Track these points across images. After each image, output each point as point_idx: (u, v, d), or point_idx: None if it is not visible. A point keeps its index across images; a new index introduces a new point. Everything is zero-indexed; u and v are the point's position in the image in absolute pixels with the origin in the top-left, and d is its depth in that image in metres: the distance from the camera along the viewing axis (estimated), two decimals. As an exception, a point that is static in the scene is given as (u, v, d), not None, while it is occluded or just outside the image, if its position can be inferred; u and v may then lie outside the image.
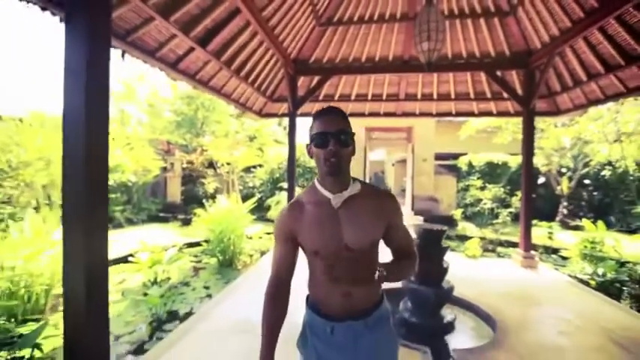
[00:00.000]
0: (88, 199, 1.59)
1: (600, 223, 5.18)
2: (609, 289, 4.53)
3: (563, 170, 8.70)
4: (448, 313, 3.36)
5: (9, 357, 2.01)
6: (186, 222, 9.55)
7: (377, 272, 1.02)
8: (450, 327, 3.21)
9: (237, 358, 2.55)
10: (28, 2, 2.19)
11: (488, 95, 6.08)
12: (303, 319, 1.23)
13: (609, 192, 9.95)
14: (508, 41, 5.15)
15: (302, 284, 1.32)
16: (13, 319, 3.03)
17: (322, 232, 1.10)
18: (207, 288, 4.70)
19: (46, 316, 3.46)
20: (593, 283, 4.74)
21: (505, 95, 5.91)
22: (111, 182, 8.87)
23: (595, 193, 9.36)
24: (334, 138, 1.07)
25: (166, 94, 14.54)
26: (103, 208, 1.68)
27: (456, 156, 11.05)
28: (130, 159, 9.29)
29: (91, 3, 1.60)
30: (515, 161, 9.70)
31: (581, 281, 4.79)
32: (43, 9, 2.27)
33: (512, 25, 4.95)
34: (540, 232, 7.37)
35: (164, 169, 10.97)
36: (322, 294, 1.15)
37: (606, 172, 9.86)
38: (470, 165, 10.47)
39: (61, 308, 3.54)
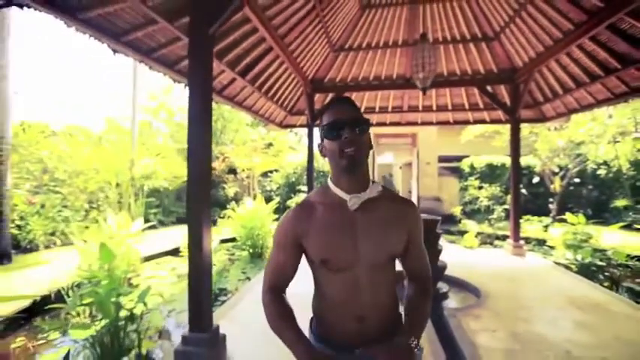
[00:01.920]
0: (200, 204, 2.54)
1: (581, 216, 5.95)
2: (587, 271, 5.30)
3: (556, 170, 9.42)
4: (444, 286, 4.24)
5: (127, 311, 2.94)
6: (213, 223, 10.55)
7: (414, 347, 0.88)
8: (444, 296, 4.09)
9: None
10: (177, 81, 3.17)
11: (481, 106, 6.93)
12: None
13: (605, 190, 10.62)
14: (495, 61, 6.01)
15: (304, 302, 1.17)
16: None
17: (334, 237, 0.94)
18: (244, 273, 5.67)
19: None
20: (573, 267, 5.52)
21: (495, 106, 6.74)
22: (146, 188, 9.95)
23: (590, 191, 10.04)
24: (349, 125, 0.93)
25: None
26: (208, 211, 2.63)
27: (459, 158, 11.84)
28: (162, 167, 10.36)
29: (204, 69, 2.55)
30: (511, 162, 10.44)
31: (564, 266, 5.58)
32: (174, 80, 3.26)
33: (498, 48, 5.81)
34: (535, 227, 8.15)
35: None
36: (330, 316, 0.97)
37: (602, 171, 10.55)
38: (471, 167, 11.26)
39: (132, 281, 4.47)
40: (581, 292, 4.21)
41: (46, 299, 3.92)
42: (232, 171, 12.66)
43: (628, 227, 5.76)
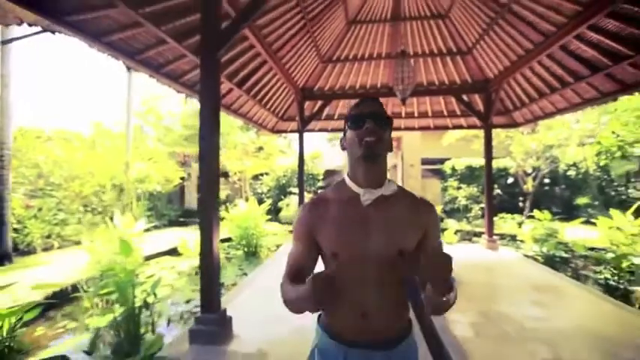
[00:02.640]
0: (210, 203, 2.95)
1: (547, 213, 6.59)
2: (551, 262, 5.91)
3: (529, 171, 10.15)
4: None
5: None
6: (205, 225, 10.84)
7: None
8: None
9: (274, 307, 3.90)
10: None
11: (458, 113, 7.52)
12: (312, 341, 1.07)
13: (575, 189, 11.44)
14: (469, 72, 6.60)
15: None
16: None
17: (345, 231, 0.95)
18: (241, 269, 6.04)
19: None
20: (539, 258, 6.13)
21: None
22: (139, 191, 10.17)
23: (559, 190, 10.82)
24: (371, 117, 0.96)
25: (176, 110, 15.93)
26: (217, 209, 3.03)
27: (441, 161, 12.48)
28: (155, 171, 10.61)
29: (214, 87, 2.97)
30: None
31: (532, 258, 6.18)
32: (177, 91, 3.64)
33: (471, 61, 6.40)
34: (509, 224, 8.80)
35: (182, 179, 12.27)
36: (335, 312, 0.99)
37: (571, 172, 11.37)
38: (453, 169, 11.91)
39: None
40: (541, 278, 4.78)
41: (66, 289, 4.22)
42: (224, 174, 12.96)
43: (587, 222, 6.41)
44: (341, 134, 1.08)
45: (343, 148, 1.05)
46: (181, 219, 11.86)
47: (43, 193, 7.99)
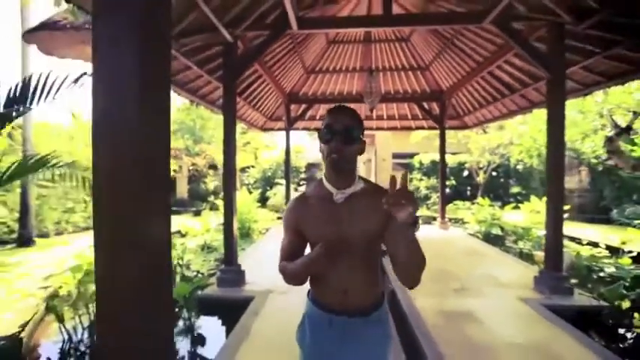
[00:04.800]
0: (230, 187, 4.15)
1: (486, 199, 8.19)
2: (487, 237, 7.49)
3: (482, 165, 11.88)
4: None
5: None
6: (197, 213, 11.86)
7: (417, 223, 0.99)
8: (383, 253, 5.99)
9: (270, 269, 5.20)
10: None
11: (420, 117, 8.98)
12: (303, 311, 1.25)
13: (522, 181, 13.33)
14: (427, 84, 8.02)
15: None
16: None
17: (323, 225, 1.12)
18: (239, 246, 7.22)
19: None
20: (479, 235, 7.72)
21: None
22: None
23: (505, 182, 12.67)
24: (339, 135, 1.07)
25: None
26: (234, 190, 4.23)
27: (410, 155, 14.04)
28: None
29: (232, 104, 4.14)
30: (451, 159, 12.80)
31: (474, 235, 7.76)
32: (192, 102, 4.76)
33: (429, 75, 7.82)
34: (463, 209, 10.43)
35: (174, 171, 13.15)
36: (321, 288, 1.17)
37: (520, 167, 13.23)
38: (420, 163, 13.51)
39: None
40: (474, 248, 6.32)
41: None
42: (214, 166, 13.93)
43: (517, 208, 8.05)
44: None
45: (321, 150, 1.15)
46: (174, 208, 12.78)
47: (51, 182, 8.77)
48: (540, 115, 9.58)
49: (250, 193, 9.78)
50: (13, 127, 7.66)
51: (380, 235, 1.11)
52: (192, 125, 15.27)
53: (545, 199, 7.17)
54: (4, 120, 1.58)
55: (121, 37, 0.91)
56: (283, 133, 8.80)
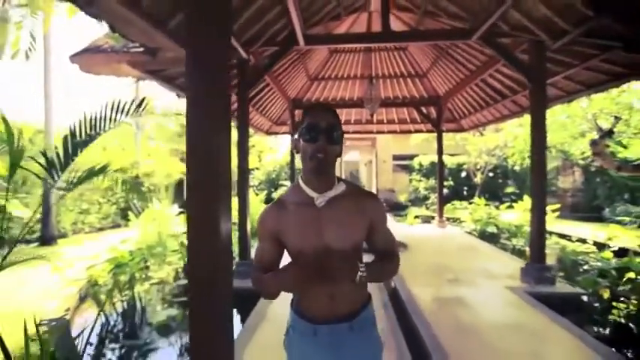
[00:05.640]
0: (244, 187, 4.57)
1: (482, 199, 8.60)
2: (482, 235, 7.89)
3: (479, 167, 12.28)
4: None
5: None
6: (205, 214, 12.30)
7: (358, 273, 1.00)
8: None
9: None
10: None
11: (418, 120, 9.40)
12: (287, 321, 1.21)
13: (519, 182, 13.72)
14: (425, 89, 8.45)
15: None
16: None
17: (304, 232, 1.07)
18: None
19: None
20: (475, 233, 8.12)
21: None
22: (147, 184, 11.49)
23: (502, 182, 13.07)
24: (324, 133, 1.02)
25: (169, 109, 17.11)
26: (247, 190, 4.66)
27: (410, 157, 14.46)
28: (160, 166, 11.95)
29: (245, 113, 4.57)
30: (449, 160, 13.22)
31: (470, 233, 8.16)
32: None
33: (426, 81, 8.24)
34: (460, 209, 10.83)
35: (183, 174, 13.60)
36: (306, 297, 1.12)
37: (517, 167, 13.62)
38: (420, 164, 13.92)
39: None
40: (469, 244, 6.73)
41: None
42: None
43: (511, 207, 8.46)
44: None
45: (296, 151, 1.10)
46: (181, 209, 13.21)
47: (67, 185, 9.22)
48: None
49: (257, 195, 10.22)
50: (34, 133, 8.15)
51: (364, 238, 1.12)
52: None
53: (537, 198, 7.60)
54: (87, 143, 2.01)
55: (207, 77, 1.43)
56: (284, 136, 9.23)
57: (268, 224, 1.11)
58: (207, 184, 1.49)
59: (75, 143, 2.03)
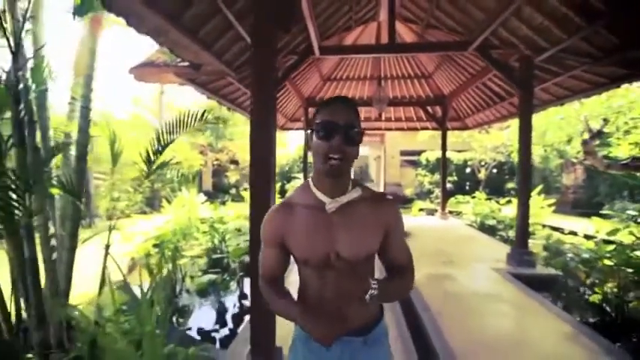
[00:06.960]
0: (263, 182, 5.30)
1: (483, 194, 9.15)
2: (482, 227, 8.47)
3: (484, 163, 12.75)
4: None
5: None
6: (223, 203, 13.15)
7: (369, 291, 0.90)
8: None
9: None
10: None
11: (425, 118, 9.95)
12: (293, 333, 1.13)
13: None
14: (431, 89, 8.99)
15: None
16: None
17: (313, 239, 0.98)
18: (264, 231, 8.44)
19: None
20: (475, 225, 8.70)
21: (434, 118, 9.80)
22: (168, 175, 12.37)
23: (505, 178, 13.50)
24: (342, 131, 0.91)
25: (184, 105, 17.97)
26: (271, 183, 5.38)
27: (417, 153, 14.98)
28: (181, 158, 12.81)
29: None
30: (455, 157, 13.70)
31: (471, 225, 8.74)
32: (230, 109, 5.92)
33: (432, 82, 8.78)
34: (464, 203, 11.38)
35: (201, 165, 14.48)
36: (313, 309, 1.01)
37: (522, 164, 14.04)
38: (427, 160, 14.44)
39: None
40: (468, 234, 7.35)
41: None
42: (235, 162, 15.21)
43: (509, 202, 8.99)
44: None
45: (309, 148, 1.00)
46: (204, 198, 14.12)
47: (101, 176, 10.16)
48: (536, 118, 10.48)
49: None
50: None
51: (377, 248, 1.03)
52: (215, 124, 16.54)
53: (535, 193, 8.11)
54: (167, 145, 2.77)
55: (263, 89, 2.14)
56: (295, 131, 9.93)
57: (273, 228, 1.04)
58: (265, 171, 2.39)
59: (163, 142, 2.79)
